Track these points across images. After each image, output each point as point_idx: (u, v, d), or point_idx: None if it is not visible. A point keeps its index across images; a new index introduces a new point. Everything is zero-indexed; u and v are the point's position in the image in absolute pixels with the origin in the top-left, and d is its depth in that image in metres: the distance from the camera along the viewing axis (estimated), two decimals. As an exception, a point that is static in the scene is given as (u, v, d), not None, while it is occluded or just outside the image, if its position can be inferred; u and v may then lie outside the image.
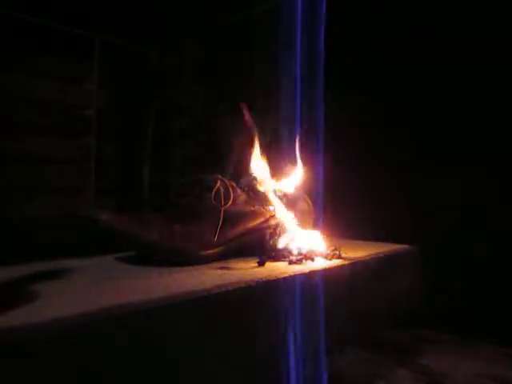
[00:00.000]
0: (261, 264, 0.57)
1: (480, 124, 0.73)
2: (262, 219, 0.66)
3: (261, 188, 0.69)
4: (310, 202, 0.76)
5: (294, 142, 0.76)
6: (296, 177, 0.75)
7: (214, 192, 0.61)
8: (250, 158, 0.68)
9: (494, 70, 0.71)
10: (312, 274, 0.54)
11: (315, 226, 0.73)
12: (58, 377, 0.32)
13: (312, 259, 0.60)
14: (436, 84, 0.78)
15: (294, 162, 0.76)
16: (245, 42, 1.11)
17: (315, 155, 0.81)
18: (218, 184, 0.62)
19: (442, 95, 0.78)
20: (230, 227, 0.61)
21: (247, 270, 0.54)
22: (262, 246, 0.64)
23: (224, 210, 0.60)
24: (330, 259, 0.61)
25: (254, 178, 0.70)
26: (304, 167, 0.75)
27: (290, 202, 0.70)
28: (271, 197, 0.68)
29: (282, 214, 0.68)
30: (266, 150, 0.70)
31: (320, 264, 0.59)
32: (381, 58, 0.84)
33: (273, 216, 0.68)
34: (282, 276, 0.50)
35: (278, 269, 0.55)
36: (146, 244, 0.54)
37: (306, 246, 0.64)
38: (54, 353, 0.31)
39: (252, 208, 0.65)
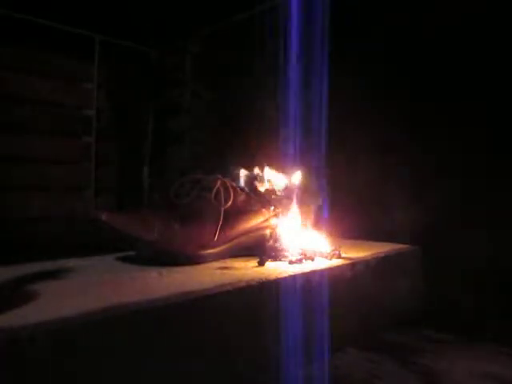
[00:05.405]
0: (261, 264, 0.57)
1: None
2: (261, 219, 0.66)
3: (261, 188, 0.69)
4: (310, 202, 0.76)
5: (295, 142, 0.76)
6: (296, 176, 0.75)
7: (214, 192, 0.61)
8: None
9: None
10: (312, 273, 0.54)
11: (315, 225, 0.73)
12: (58, 377, 0.32)
13: (312, 259, 0.60)
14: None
15: (295, 162, 0.76)
16: (245, 42, 1.11)
17: (316, 155, 0.81)
18: (218, 184, 0.62)
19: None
20: (230, 227, 0.61)
21: (247, 269, 0.54)
22: (262, 246, 0.64)
23: (224, 210, 0.60)
24: (331, 259, 0.61)
25: (255, 178, 0.70)
26: (304, 167, 0.75)
27: (290, 201, 0.70)
28: (272, 196, 0.68)
29: (283, 214, 0.68)
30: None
31: (320, 264, 0.58)
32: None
33: (273, 216, 0.68)
34: (282, 276, 0.50)
35: (278, 269, 0.55)
36: (146, 244, 0.54)
37: (306, 245, 0.64)
38: (54, 353, 0.31)
39: (252, 208, 0.65)
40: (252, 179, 0.70)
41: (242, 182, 0.70)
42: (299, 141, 0.77)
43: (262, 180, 0.71)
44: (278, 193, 0.70)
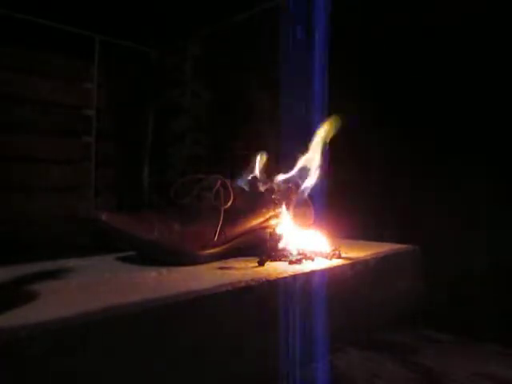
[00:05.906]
0: (261, 264, 0.57)
1: (482, 122, 0.73)
2: (262, 219, 0.66)
3: (261, 188, 0.69)
4: (309, 202, 0.76)
5: (295, 142, 0.76)
6: (296, 176, 0.75)
7: (214, 192, 0.61)
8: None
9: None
10: (312, 273, 0.54)
11: (315, 225, 0.73)
12: (58, 377, 0.32)
13: (312, 259, 0.60)
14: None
15: (295, 162, 0.75)
16: (245, 42, 1.11)
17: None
18: (218, 184, 0.62)
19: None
20: (230, 227, 0.61)
21: (247, 270, 0.54)
22: (262, 246, 0.64)
23: (224, 210, 0.60)
24: (330, 259, 0.61)
25: (255, 178, 0.70)
26: (304, 166, 0.75)
27: (289, 201, 0.70)
28: (272, 196, 0.68)
29: (283, 214, 0.68)
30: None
31: (320, 264, 0.58)
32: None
33: (273, 216, 0.68)
34: (282, 276, 0.50)
35: (278, 269, 0.54)
36: (146, 244, 0.54)
37: (306, 245, 0.64)
38: (54, 353, 0.31)
39: (252, 208, 0.65)
40: (253, 179, 0.70)
41: (242, 182, 0.70)
42: (299, 140, 0.77)
43: (262, 179, 0.71)
44: (279, 192, 0.70)
